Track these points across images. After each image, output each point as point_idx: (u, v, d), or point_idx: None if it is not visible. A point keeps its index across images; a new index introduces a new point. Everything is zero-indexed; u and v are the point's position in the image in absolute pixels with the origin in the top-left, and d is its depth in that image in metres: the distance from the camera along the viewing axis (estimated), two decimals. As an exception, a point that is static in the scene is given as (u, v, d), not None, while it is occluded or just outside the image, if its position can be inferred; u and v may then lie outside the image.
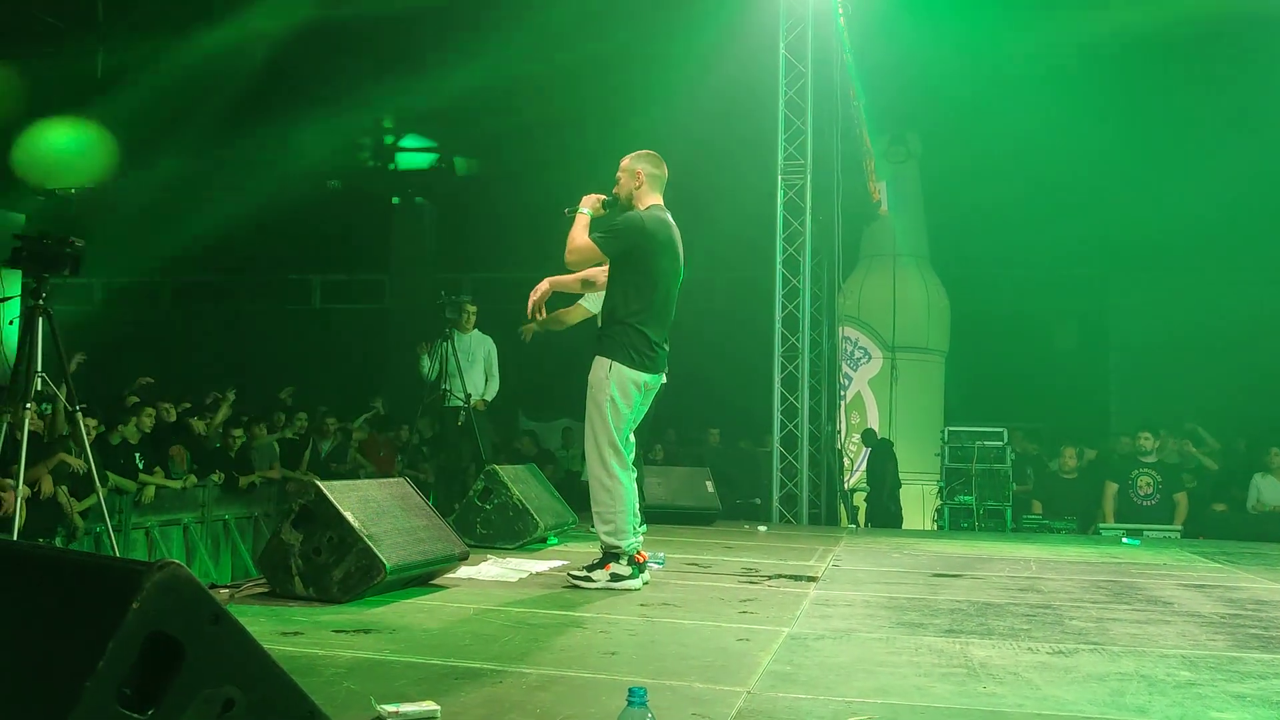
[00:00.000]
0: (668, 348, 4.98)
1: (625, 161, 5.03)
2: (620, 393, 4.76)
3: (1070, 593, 5.15)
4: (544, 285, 5.37)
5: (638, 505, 4.95)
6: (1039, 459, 11.10)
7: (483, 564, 5.31)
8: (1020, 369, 13.78)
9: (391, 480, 4.95)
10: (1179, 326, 12.75)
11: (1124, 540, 8.48)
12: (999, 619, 4.25)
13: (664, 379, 5.04)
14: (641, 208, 4.94)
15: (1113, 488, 9.88)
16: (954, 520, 9.93)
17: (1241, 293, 12.37)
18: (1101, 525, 9.66)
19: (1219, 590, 5.42)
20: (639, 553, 4.85)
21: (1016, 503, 10.04)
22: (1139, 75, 11.36)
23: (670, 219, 4.99)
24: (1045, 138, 11.87)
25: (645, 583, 4.86)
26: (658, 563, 5.51)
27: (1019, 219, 12.77)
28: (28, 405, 5.54)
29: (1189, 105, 11.42)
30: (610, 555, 4.80)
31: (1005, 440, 10.00)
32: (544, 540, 6.54)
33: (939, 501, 10.43)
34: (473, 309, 9.00)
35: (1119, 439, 10.75)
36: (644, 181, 4.97)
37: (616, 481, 4.76)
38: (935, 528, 10.55)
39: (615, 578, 4.76)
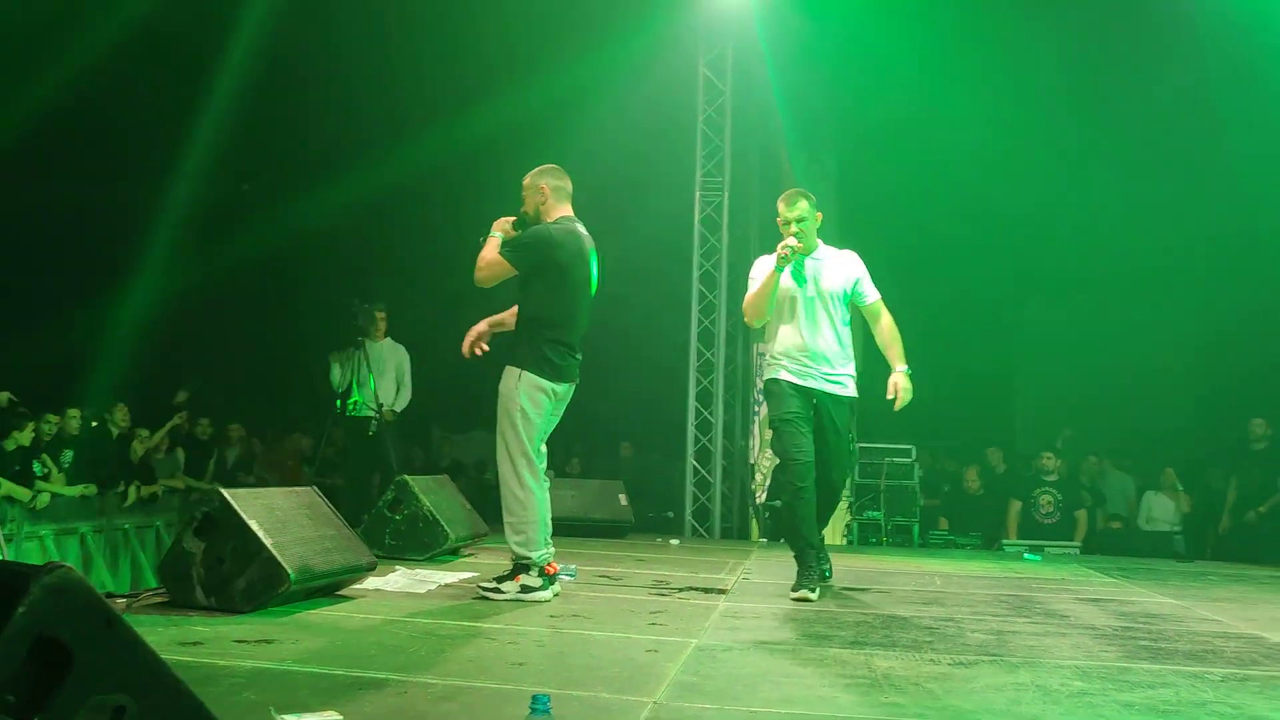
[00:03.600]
0: (580, 356, 4.98)
1: (527, 180, 5.02)
2: (530, 402, 4.75)
3: (972, 606, 5.27)
4: (481, 327, 5.15)
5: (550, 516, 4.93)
6: (955, 476, 11.30)
7: (391, 575, 5.24)
8: (932, 388, 14.00)
9: (299, 489, 4.86)
10: (1083, 351, 13.11)
11: (1025, 556, 8.70)
12: (903, 631, 4.32)
13: (574, 387, 5.04)
14: (551, 220, 4.96)
15: (1016, 505, 10.14)
16: (863, 535, 10.08)
17: (1147, 321, 12.77)
18: (1005, 541, 9.89)
19: (1113, 604, 5.58)
20: (550, 564, 4.84)
21: (924, 518, 10.23)
22: (1055, 104, 11.64)
23: (582, 229, 5.02)
24: (960, 161, 12.11)
25: (555, 594, 4.85)
26: (569, 575, 5.50)
27: (933, 239, 12.99)
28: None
29: (1107, 135, 11.73)
30: (520, 566, 4.77)
31: (913, 457, 10.19)
32: (454, 552, 6.48)
33: (849, 517, 10.57)
34: (383, 315, 8.90)
35: (1021, 459, 11.03)
36: (549, 196, 4.98)
37: (529, 492, 4.74)
38: (845, 542, 10.69)
39: (525, 589, 4.73)
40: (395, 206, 13.59)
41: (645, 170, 11.53)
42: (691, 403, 10.10)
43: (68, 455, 8.69)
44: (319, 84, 12.10)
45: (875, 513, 10.00)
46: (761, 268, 5.50)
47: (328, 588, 4.47)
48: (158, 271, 13.66)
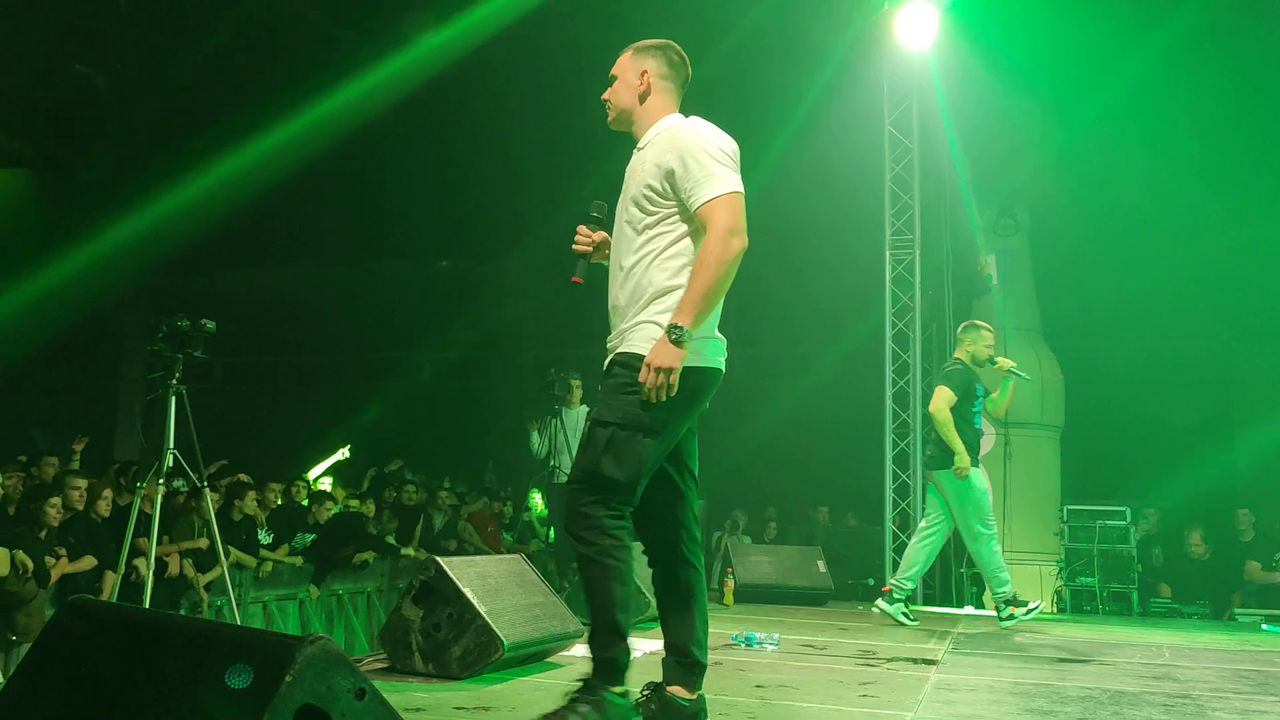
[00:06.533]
0: None
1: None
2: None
3: (1209, 682, 4.90)
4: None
5: None
6: (1166, 539, 10.65)
7: (596, 642, 5.27)
8: (1140, 446, 13.31)
9: (508, 557, 4.99)
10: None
11: (1264, 627, 8.05)
12: (1134, 708, 4.06)
13: None
14: None
15: (1255, 566, 9.41)
16: (1076, 603, 9.57)
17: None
18: (1237, 610, 9.20)
19: (1373, 682, 5.10)
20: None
21: (1143, 585, 9.63)
22: (1255, 147, 11.07)
23: None
24: (1160, 209, 11.61)
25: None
26: (772, 644, 5.44)
27: (1134, 289, 12.44)
28: (160, 481, 5.76)
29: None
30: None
31: (1128, 520, 9.64)
32: (657, 619, 6.48)
33: (1059, 583, 10.07)
34: (578, 383, 9.09)
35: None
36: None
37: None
38: (1056, 610, 10.17)
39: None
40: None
41: (833, 227, 11.49)
42: (889, 465, 9.87)
43: (304, 539, 9.18)
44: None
45: (1089, 579, 9.49)
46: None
47: (538, 655, 4.55)
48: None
